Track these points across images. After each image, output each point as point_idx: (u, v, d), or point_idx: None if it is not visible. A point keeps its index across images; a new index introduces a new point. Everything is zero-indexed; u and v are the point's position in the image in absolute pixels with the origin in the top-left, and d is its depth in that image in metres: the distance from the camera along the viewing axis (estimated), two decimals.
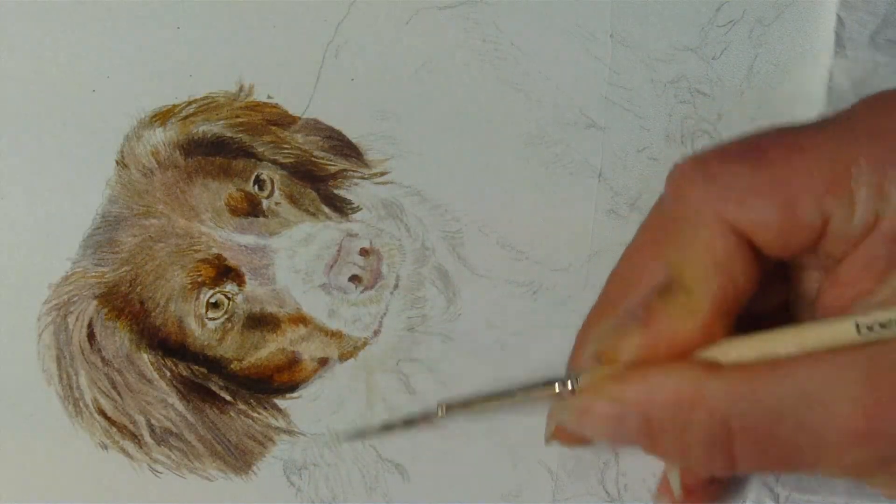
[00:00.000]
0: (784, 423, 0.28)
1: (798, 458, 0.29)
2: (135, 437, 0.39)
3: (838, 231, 0.29)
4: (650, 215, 0.33)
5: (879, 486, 0.31)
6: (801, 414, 0.28)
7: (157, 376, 0.39)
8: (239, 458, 0.39)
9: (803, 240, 0.29)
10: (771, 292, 0.33)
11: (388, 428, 0.38)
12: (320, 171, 0.40)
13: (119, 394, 0.39)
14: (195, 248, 0.39)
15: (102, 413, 0.39)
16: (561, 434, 0.35)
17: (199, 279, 0.39)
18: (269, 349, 0.39)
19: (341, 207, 0.40)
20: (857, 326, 0.28)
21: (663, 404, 0.29)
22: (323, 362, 0.39)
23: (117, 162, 0.40)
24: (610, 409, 0.30)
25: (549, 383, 0.33)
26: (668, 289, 0.30)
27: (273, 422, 0.39)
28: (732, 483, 0.37)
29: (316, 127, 0.40)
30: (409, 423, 0.37)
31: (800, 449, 0.28)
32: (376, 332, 0.39)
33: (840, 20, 0.39)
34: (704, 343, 0.30)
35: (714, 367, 0.29)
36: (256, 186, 0.40)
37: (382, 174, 0.40)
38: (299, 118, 0.40)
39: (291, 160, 0.40)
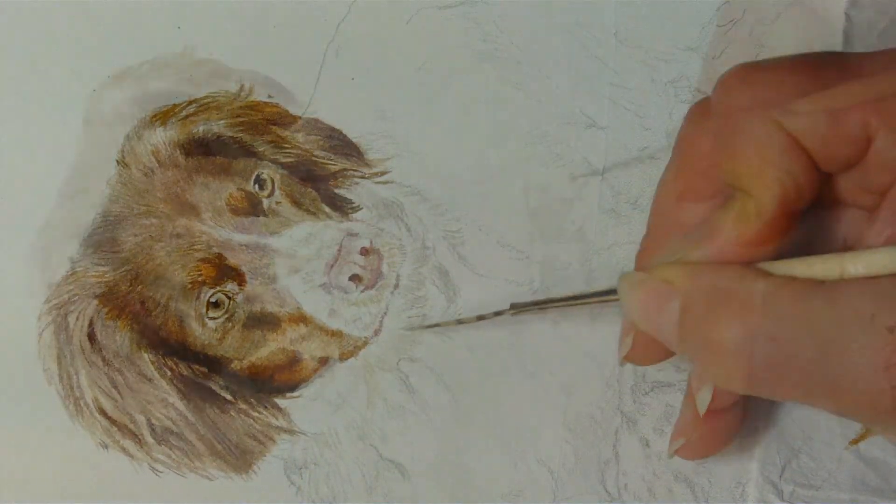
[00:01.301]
0: (814, 335, 0.28)
1: (819, 379, 0.28)
2: (135, 437, 0.39)
3: (881, 155, 0.29)
4: (682, 138, 0.34)
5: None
6: (833, 332, 0.28)
7: (157, 375, 0.39)
8: (239, 458, 0.39)
9: (847, 153, 0.30)
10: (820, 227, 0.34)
11: (461, 322, 0.39)
12: (321, 170, 0.40)
13: (119, 393, 0.39)
14: (196, 247, 0.39)
15: (103, 412, 0.39)
16: (632, 354, 0.35)
17: (200, 278, 0.39)
18: (269, 348, 0.39)
19: (342, 207, 0.40)
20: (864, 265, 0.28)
21: (703, 292, 0.30)
22: (323, 361, 0.39)
23: (118, 161, 0.40)
24: (657, 289, 0.31)
25: (612, 290, 0.34)
26: (728, 198, 0.31)
27: (273, 421, 0.39)
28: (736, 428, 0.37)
29: (316, 126, 0.41)
30: (482, 318, 0.38)
31: (823, 369, 0.28)
32: (377, 332, 0.39)
33: (849, 18, 0.40)
34: (767, 250, 0.30)
35: (763, 273, 0.30)
36: (257, 186, 0.40)
37: (383, 173, 0.40)
38: (300, 118, 0.41)
39: (292, 160, 0.40)
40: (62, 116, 0.40)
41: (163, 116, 0.40)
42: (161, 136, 0.40)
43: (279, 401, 0.39)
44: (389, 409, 0.39)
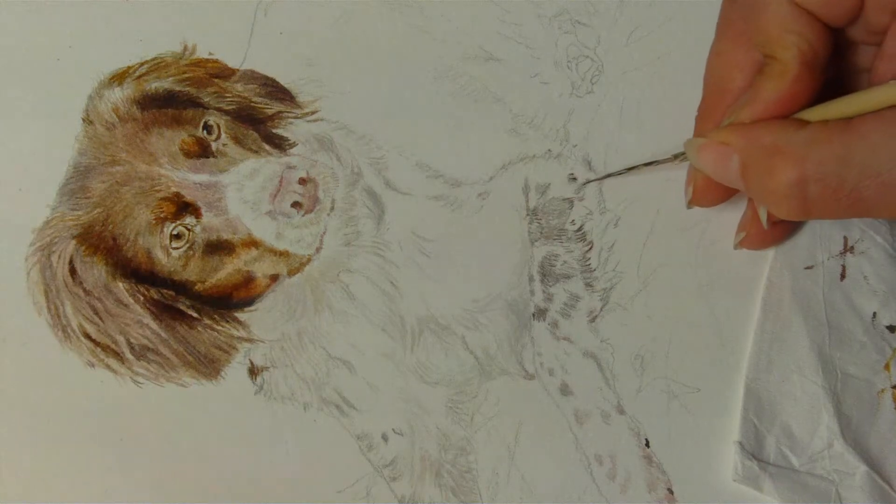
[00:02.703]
0: (851, 167, 0.33)
1: (863, 200, 0.34)
2: (117, 355, 0.43)
3: (875, 1, 0.35)
4: (721, 20, 0.40)
5: None
6: (866, 160, 0.33)
7: (132, 301, 0.43)
8: (208, 366, 0.44)
9: (847, 8, 0.36)
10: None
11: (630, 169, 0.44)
12: (259, 114, 0.45)
13: (101, 318, 0.43)
14: (156, 188, 0.43)
15: (87, 336, 0.43)
16: (695, 198, 0.41)
17: (162, 215, 0.43)
18: (226, 270, 0.44)
19: (280, 144, 0.45)
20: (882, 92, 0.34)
21: (755, 148, 0.36)
22: (274, 278, 0.44)
23: (83, 119, 0.44)
24: (717, 149, 0.37)
25: (682, 153, 0.41)
26: (763, 66, 0.37)
27: (235, 332, 0.44)
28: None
29: (253, 76, 0.45)
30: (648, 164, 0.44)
31: (864, 194, 0.34)
32: (318, 249, 0.44)
33: None
34: (801, 100, 0.36)
35: (801, 122, 0.36)
36: (205, 131, 0.44)
37: (313, 113, 0.45)
38: (237, 70, 0.45)
39: (234, 107, 0.45)
40: (32, 84, 0.45)
41: (119, 77, 0.45)
42: (119, 95, 0.44)
43: (239, 315, 0.44)
44: (334, 315, 0.44)
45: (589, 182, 0.45)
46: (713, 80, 0.40)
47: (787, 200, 0.35)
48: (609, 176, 0.45)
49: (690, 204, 0.42)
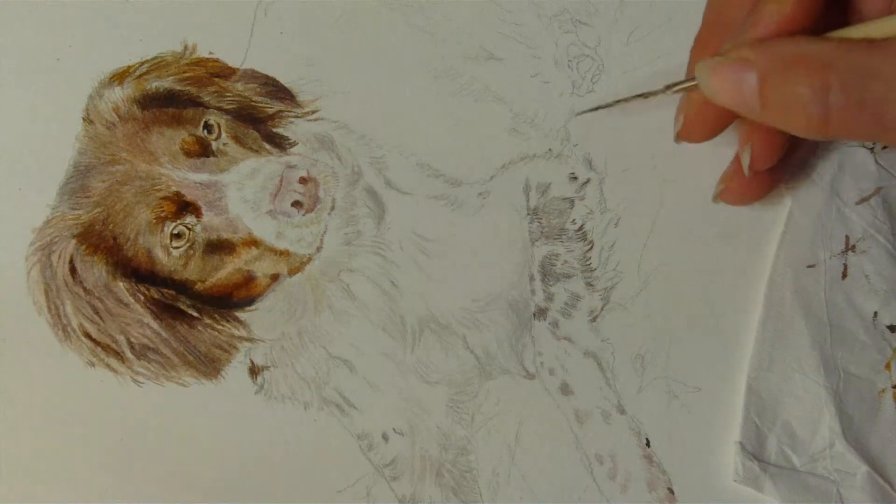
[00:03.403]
0: (877, 82, 0.32)
1: (885, 117, 0.33)
2: (117, 354, 0.43)
3: None
4: None
5: None
6: (892, 77, 0.32)
7: (132, 300, 0.43)
8: (208, 366, 0.44)
9: None
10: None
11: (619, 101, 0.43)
12: (260, 113, 0.45)
13: (101, 318, 0.43)
14: (157, 187, 0.43)
15: (88, 336, 0.43)
16: (684, 132, 0.41)
17: (162, 214, 0.43)
18: (227, 270, 0.44)
19: (280, 143, 0.45)
20: None
21: (776, 60, 0.34)
22: (274, 278, 0.44)
23: (84, 119, 0.45)
24: (735, 67, 0.35)
25: (691, 79, 0.39)
26: None
27: (235, 332, 0.44)
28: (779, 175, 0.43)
29: (253, 76, 0.46)
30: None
31: (888, 107, 0.33)
32: (318, 249, 0.44)
33: None
34: (804, 27, 0.35)
35: (821, 36, 0.35)
36: (206, 131, 0.44)
37: (314, 112, 0.45)
38: (238, 69, 0.45)
39: (234, 106, 0.45)
40: (33, 83, 0.45)
41: (119, 77, 0.45)
42: (119, 94, 0.45)
43: (239, 314, 0.44)
44: (335, 314, 0.44)
45: (582, 113, 0.44)
46: (712, 13, 0.40)
47: (807, 108, 0.34)
48: (599, 108, 0.43)
49: (679, 137, 0.41)
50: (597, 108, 0.43)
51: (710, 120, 0.40)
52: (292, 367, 0.44)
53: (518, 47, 0.46)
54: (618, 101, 0.43)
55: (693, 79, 0.38)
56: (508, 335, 0.44)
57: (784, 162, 0.42)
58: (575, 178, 0.45)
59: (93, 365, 0.43)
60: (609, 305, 0.44)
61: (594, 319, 0.44)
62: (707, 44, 0.40)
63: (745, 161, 0.40)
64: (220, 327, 0.44)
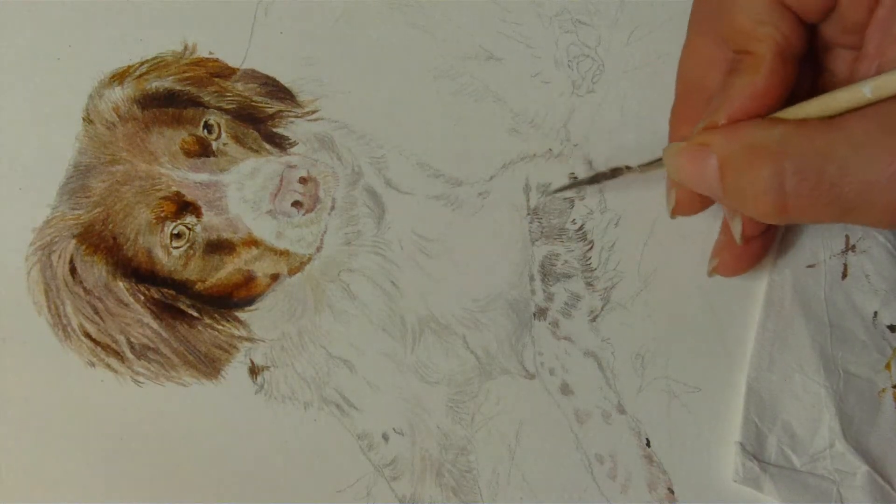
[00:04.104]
0: (831, 164, 0.32)
1: (842, 199, 0.32)
2: (118, 354, 0.43)
3: None
4: (691, 18, 0.39)
5: None
6: (846, 158, 0.32)
7: (132, 300, 0.43)
8: (209, 366, 0.44)
9: (822, 1, 0.35)
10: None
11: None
12: (260, 113, 0.45)
13: (101, 318, 0.43)
14: (157, 187, 0.43)
15: (88, 336, 0.43)
16: (678, 208, 0.41)
17: (162, 214, 0.43)
18: (227, 270, 0.44)
19: (280, 143, 0.45)
20: (868, 89, 0.33)
21: (734, 147, 0.35)
22: (275, 278, 0.44)
23: (84, 118, 0.45)
24: (696, 152, 0.36)
25: (659, 159, 0.39)
26: (735, 62, 0.36)
27: (236, 332, 0.44)
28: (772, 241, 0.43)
29: (253, 76, 0.46)
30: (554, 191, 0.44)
31: (844, 192, 0.32)
32: (319, 249, 0.44)
33: None
34: (777, 95, 0.35)
35: (777, 120, 0.35)
36: (206, 131, 0.44)
37: (314, 112, 0.45)
38: (238, 69, 0.46)
39: (234, 106, 0.45)
40: (33, 83, 0.45)
41: (120, 77, 0.45)
42: (119, 94, 0.45)
43: (239, 314, 0.44)
44: (335, 314, 0.44)
45: (556, 192, 0.45)
46: (686, 81, 0.40)
47: (764, 196, 0.34)
48: (573, 185, 0.44)
49: (674, 213, 0.41)
50: (571, 186, 0.44)
51: (700, 195, 0.39)
52: (292, 366, 0.44)
53: (518, 47, 0.46)
54: (590, 180, 0.43)
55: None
56: (508, 335, 0.44)
57: (774, 226, 0.42)
58: (575, 177, 0.45)
59: (93, 365, 0.43)
60: (609, 305, 0.44)
61: (594, 319, 0.44)
62: (683, 116, 0.40)
63: (737, 230, 0.40)
64: (220, 327, 0.44)
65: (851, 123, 0.32)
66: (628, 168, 0.42)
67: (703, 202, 0.41)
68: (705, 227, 0.45)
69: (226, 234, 0.44)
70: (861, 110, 0.33)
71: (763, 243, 0.43)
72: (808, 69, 0.37)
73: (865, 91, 0.32)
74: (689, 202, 0.41)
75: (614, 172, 0.42)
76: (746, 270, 0.43)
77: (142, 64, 0.45)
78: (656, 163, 0.40)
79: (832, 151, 0.32)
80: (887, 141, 0.32)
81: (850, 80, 0.36)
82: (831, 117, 0.33)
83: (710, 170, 0.35)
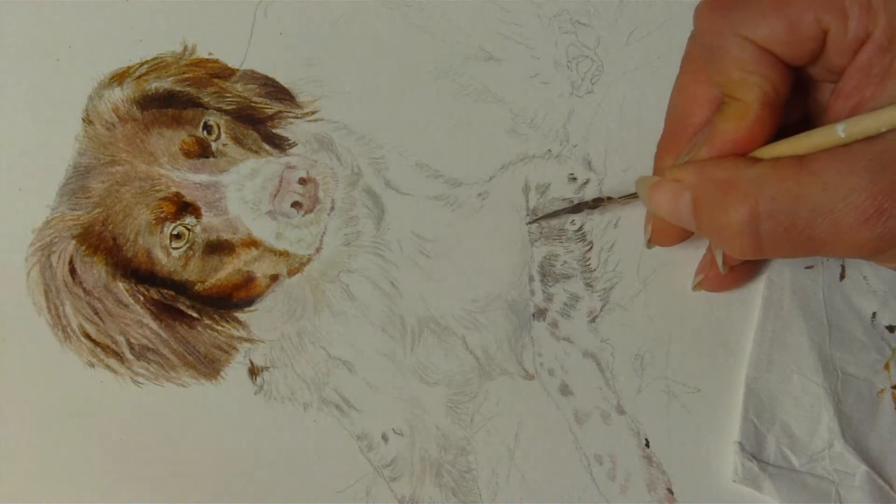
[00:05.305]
0: (804, 204, 0.33)
1: (815, 239, 0.33)
2: (117, 355, 0.43)
3: (836, 42, 0.34)
4: (684, 57, 0.39)
5: (888, 262, 0.36)
6: (818, 198, 0.33)
7: (132, 301, 0.43)
8: (208, 366, 0.44)
9: (809, 49, 0.35)
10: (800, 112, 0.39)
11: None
12: (259, 114, 0.45)
13: (101, 319, 0.43)
14: (156, 188, 0.43)
15: (87, 336, 0.43)
16: (655, 238, 0.41)
17: (162, 215, 0.43)
18: (226, 270, 0.44)
19: (280, 144, 0.45)
20: (842, 130, 0.33)
21: (708, 185, 0.35)
22: (274, 278, 0.44)
23: (83, 119, 0.45)
24: (670, 187, 0.37)
25: (634, 193, 0.41)
26: (722, 104, 0.36)
27: (235, 332, 0.44)
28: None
29: (252, 76, 0.46)
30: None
31: (816, 233, 0.33)
32: (318, 249, 0.44)
33: None
34: (760, 140, 0.35)
35: (755, 160, 0.35)
36: (205, 131, 0.44)
37: (313, 113, 0.45)
38: (237, 70, 0.46)
39: (234, 106, 0.45)
40: (32, 84, 0.45)
41: (119, 77, 0.45)
42: (119, 95, 0.45)
43: (239, 315, 0.44)
44: (334, 315, 0.44)
45: (535, 221, 0.45)
46: (674, 115, 0.40)
47: (739, 238, 0.35)
48: (552, 216, 0.44)
49: (650, 244, 0.42)
50: (553, 215, 0.44)
51: (677, 227, 0.39)
52: (292, 367, 0.44)
53: (517, 48, 0.46)
54: (573, 209, 0.44)
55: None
56: (508, 336, 0.44)
57: None
58: (574, 178, 0.45)
59: (92, 365, 0.43)
60: (608, 306, 0.44)
61: (593, 320, 0.44)
62: (668, 148, 0.40)
63: (719, 259, 0.41)
64: (219, 328, 0.44)
65: (824, 165, 0.33)
66: (609, 199, 0.43)
67: (682, 234, 0.41)
68: None
69: (225, 235, 0.44)
70: (833, 151, 0.33)
71: (748, 268, 0.43)
72: (791, 99, 0.37)
73: (839, 131, 0.33)
74: (667, 233, 0.41)
75: (595, 203, 0.43)
76: (732, 288, 0.44)
77: (141, 65, 0.45)
78: (635, 195, 0.41)
79: (805, 194, 0.33)
80: (857, 182, 0.32)
81: (826, 111, 0.37)
82: (803, 156, 0.34)
83: (685, 205, 0.36)
